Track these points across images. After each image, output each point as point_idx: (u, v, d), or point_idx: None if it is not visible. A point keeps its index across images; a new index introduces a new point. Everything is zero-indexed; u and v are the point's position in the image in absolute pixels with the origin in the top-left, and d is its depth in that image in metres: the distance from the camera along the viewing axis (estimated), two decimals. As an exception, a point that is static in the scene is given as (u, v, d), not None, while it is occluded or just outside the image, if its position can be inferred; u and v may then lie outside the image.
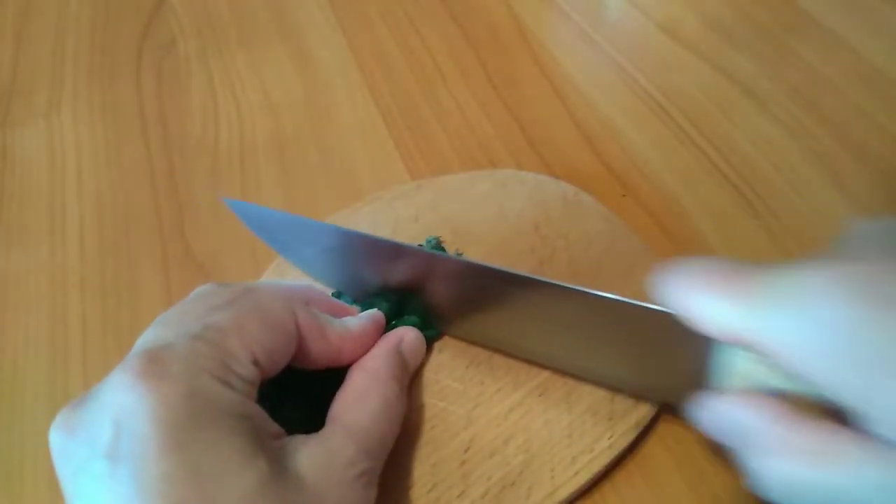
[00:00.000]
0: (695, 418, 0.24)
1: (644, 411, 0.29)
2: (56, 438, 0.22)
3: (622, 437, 0.28)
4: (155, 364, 0.21)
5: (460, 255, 0.35)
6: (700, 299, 0.23)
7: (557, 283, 0.26)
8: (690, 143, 0.41)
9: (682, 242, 0.36)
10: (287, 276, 0.35)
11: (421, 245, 0.35)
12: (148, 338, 0.24)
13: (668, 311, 0.24)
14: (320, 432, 0.24)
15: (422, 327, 0.31)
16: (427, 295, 0.30)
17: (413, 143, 0.43)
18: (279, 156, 0.43)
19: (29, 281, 0.39)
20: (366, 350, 0.29)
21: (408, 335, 0.30)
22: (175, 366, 0.21)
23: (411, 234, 0.36)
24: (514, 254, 0.34)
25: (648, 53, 0.47)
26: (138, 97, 0.48)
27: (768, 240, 0.36)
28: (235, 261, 0.38)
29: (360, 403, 0.26)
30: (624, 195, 0.38)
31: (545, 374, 0.30)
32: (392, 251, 0.30)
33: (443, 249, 0.35)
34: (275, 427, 0.23)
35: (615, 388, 0.29)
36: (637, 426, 0.28)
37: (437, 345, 0.31)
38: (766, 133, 0.41)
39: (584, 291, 0.26)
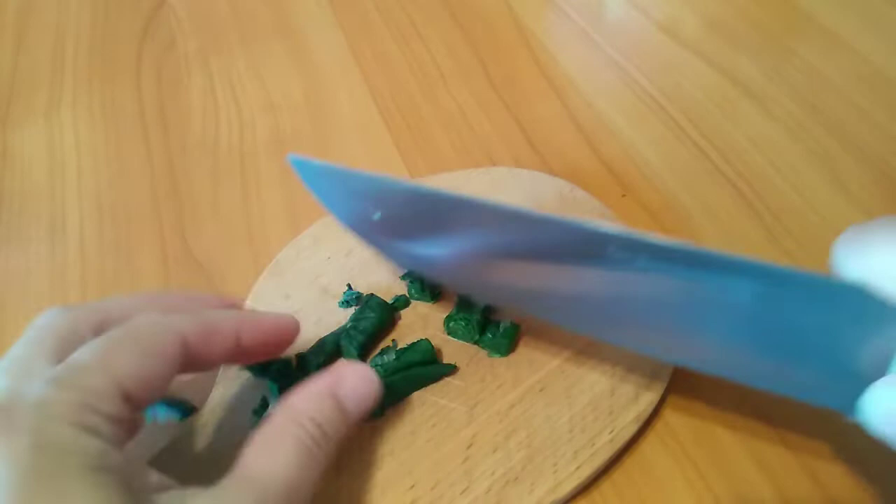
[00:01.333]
0: (867, 409, 0.21)
1: (644, 405, 0.29)
2: None
3: (623, 430, 0.28)
4: (0, 416, 0.19)
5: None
6: (891, 260, 0.19)
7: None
8: (690, 143, 0.41)
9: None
10: (284, 277, 0.35)
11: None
12: None
13: (846, 280, 0.20)
14: (219, 483, 0.21)
15: (430, 360, 0.30)
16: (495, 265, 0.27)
17: (413, 142, 0.43)
18: (279, 156, 0.43)
19: (29, 281, 0.39)
20: (270, 339, 0.26)
21: (350, 376, 0.26)
22: (23, 416, 0.19)
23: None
24: None
25: (648, 53, 0.47)
26: (138, 97, 0.48)
27: (768, 240, 0.36)
28: (235, 261, 0.38)
29: (269, 448, 0.23)
30: (624, 195, 0.38)
31: (545, 370, 0.30)
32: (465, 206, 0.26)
33: None
34: (153, 479, 0.22)
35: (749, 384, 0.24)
36: (638, 420, 0.28)
37: (436, 343, 0.31)
38: (766, 133, 0.41)
39: (734, 259, 0.22)
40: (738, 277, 0.22)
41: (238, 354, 0.26)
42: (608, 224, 0.24)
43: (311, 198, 0.41)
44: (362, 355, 0.31)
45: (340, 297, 0.33)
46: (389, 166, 0.42)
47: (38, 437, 0.19)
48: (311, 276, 0.34)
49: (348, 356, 0.31)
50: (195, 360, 0.24)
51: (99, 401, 0.21)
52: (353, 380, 0.26)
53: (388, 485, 0.27)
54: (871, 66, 0.43)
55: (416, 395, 0.30)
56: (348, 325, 0.32)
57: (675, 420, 0.29)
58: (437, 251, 0.28)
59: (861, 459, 0.28)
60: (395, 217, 0.28)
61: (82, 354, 0.22)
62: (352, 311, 0.33)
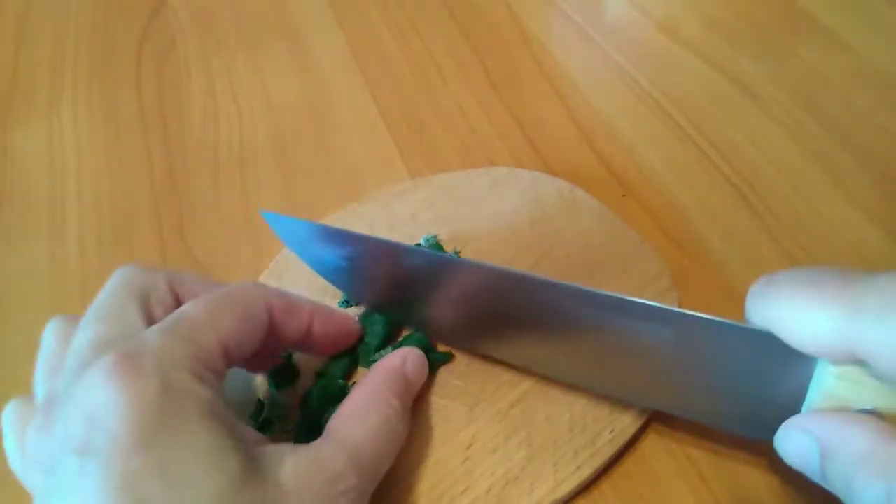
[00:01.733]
0: (779, 446, 0.22)
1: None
2: (31, 444, 0.22)
3: (623, 431, 0.28)
4: (128, 359, 0.21)
5: (458, 253, 0.35)
6: (796, 310, 0.21)
7: (610, 294, 0.24)
8: (690, 143, 0.41)
9: (681, 243, 0.36)
10: (283, 277, 0.35)
11: (419, 244, 0.35)
12: (97, 332, 0.23)
13: (758, 328, 0.22)
14: (312, 443, 0.24)
15: (427, 349, 0.31)
16: (447, 307, 0.29)
17: (413, 142, 0.43)
18: (279, 156, 0.43)
19: (29, 281, 0.39)
20: (337, 332, 0.29)
21: (411, 354, 0.29)
22: (149, 361, 0.21)
23: (408, 233, 0.36)
24: (511, 251, 0.34)
25: (648, 53, 0.47)
26: (138, 97, 0.49)
27: (768, 240, 0.36)
28: (235, 261, 0.38)
29: (357, 417, 0.25)
30: (624, 195, 0.38)
31: None
32: (402, 253, 0.29)
33: (440, 248, 0.35)
34: (251, 433, 0.23)
35: (676, 414, 0.27)
36: (637, 419, 0.28)
37: (435, 342, 0.31)
38: (766, 133, 0.41)
39: (658, 307, 0.24)
40: (658, 324, 0.24)
41: (306, 340, 0.28)
42: (536, 275, 0.26)
43: (312, 198, 0.41)
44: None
45: (340, 297, 0.33)
46: (389, 166, 0.42)
47: (163, 382, 0.21)
48: (311, 276, 0.34)
49: (364, 362, 0.31)
50: (272, 334, 0.26)
51: (208, 356, 0.23)
52: (412, 357, 0.29)
53: (387, 485, 0.27)
54: (871, 66, 0.43)
55: (416, 396, 0.30)
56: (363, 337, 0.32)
57: (674, 421, 0.29)
58: (397, 295, 0.31)
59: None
60: (358, 264, 0.31)
61: (193, 310, 0.24)
62: (352, 310, 0.33)
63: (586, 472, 0.27)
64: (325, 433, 0.25)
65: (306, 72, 0.49)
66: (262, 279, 0.35)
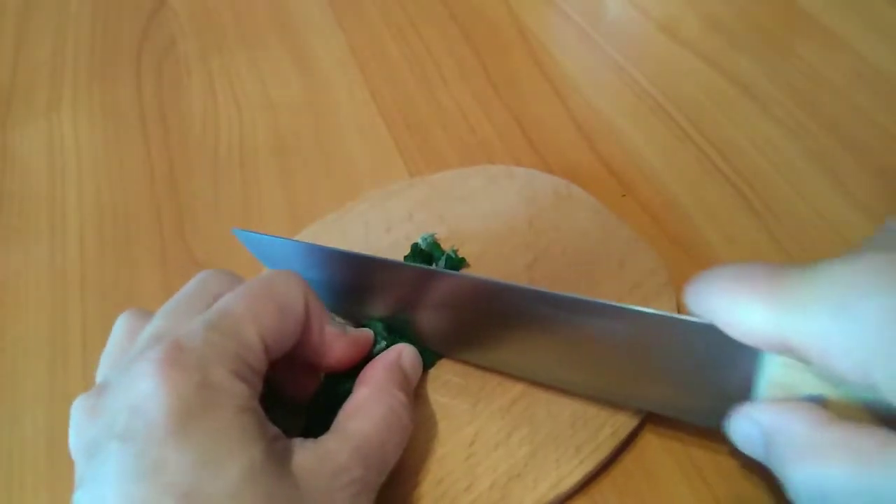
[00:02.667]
0: (730, 433, 0.23)
1: None
2: (77, 419, 0.23)
3: (624, 425, 0.28)
4: (174, 354, 0.22)
5: (456, 251, 0.35)
6: (731, 303, 0.22)
7: (578, 297, 0.25)
8: (690, 143, 0.41)
9: (681, 242, 0.36)
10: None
11: (416, 243, 0.35)
12: (158, 326, 0.24)
13: (700, 320, 0.23)
14: (320, 437, 0.25)
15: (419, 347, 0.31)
16: (425, 318, 0.30)
17: (413, 143, 0.43)
18: (279, 156, 0.43)
19: (29, 281, 0.39)
20: (351, 358, 0.28)
21: (405, 350, 0.29)
22: (192, 356, 0.22)
23: (405, 232, 0.36)
24: (508, 249, 0.35)
25: (648, 53, 0.47)
26: (138, 97, 0.49)
27: (768, 240, 0.36)
28: (235, 261, 0.38)
29: (362, 411, 0.26)
30: (624, 195, 0.38)
31: None
32: (380, 267, 0.29)
33: (438, 247, 0.35)
34: (274, 429, 0.24)
35: (638, 408, 0.28)
36: (638, 414, 0.29)
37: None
38: (766, 133, 0.41)
39: (610, 305, 0.25)
40: (612, 320, 0.25)
41: (325, 354, 0.28)
42: (507, 282, 0.27)
43: (312, 198, 0.41)
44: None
45: None
46: (389, 166, 0.42)
47: (203, 377, 0.22)
48: None
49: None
50: (303, 331, 0.26)
51: (248, 352, 0.23)
52: (406, 352, 0.29)
53: (391, 484, 0.27)
54: (871, 66, 0.43)
55: (418, 394, 0.30)
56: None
57: (674, 419, 0.30)
58: (369, 306, 0.31)
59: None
60: (336, 280, 0.31)
61: (234, 305, 0.24)
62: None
63: (589, 467, 0.27)
64: (331, 429, 0.25)
65: (306, 72, 0.49)
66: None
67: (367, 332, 0.30)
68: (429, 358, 0.31)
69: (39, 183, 0.44)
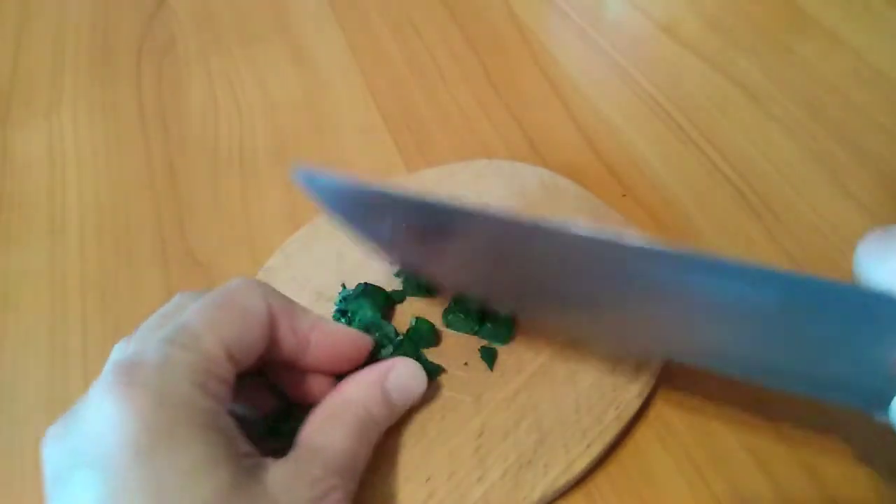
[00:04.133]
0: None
1: (645, 380, 0.29)
2: (48, 448, 0.22)
3: (628, 406, 0.29)
4: (127, 374, 0.21)
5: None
6: None
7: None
8: (690, 143, 0.41)
9: (681, 242, 0.36)
10: (276, 281, 0.35)
11: None
12: (124, 350, 0.24)
13: (875, 289, 0.20)
14: (290, 454, 0.24)
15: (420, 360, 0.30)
16: (507, 274, 0.27)
17: (413, 142, 0.43)
18: (279, 155, 0.43)
19: (29, 281, 0.39)
20: (340, 357, 0.28)
21: (398, 367, 0.28)
22: (148, 374, 0.21)
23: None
24: None
25: (648, 53, 0.47)
26: (138, 97, 0.48)
27: (768, 240, 0.36)
28: (235, 261, 0.38)
29: (328, 426, 0.25)
30: (624, 195, 0.38)
31: (546, 353, 0.31)
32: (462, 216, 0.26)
33: None
34: (245, 446, 0.23)
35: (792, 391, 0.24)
36: (640, 395, 0.29)
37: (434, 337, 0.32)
38: (766, 133, 0.41)
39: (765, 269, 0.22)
40: (762, 287, 0.22)
41: (305, 353, 0.27)
42: (631, 235, 0.24)
43: (311, 198, 0.41)
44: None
45: (336, 299, 0.33)
46: (389, 166, 0.42)
47: (161, 393, 0.21)
48: (303, 281, 0.34)
49: None
50: (273, 340, 0.25)
51: (210, 363, 0.23)
52: (400, 373, 0.28)
53: (404, 479, 0.27)
54: (871, 66, 0.43)
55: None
56: (341, 319, 0.32)
57: (670, 414, 0.30)
58: (443, 256, 0.28)
59: (860, 457, 0.28)
60: (402, 225, 0.28)
61: (192, 317, 0.23)
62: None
63: (596, 450, 0.28)
64: (298, 443, 0.25)
65: (306, 71, 0.49)
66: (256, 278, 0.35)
67: (361, 334, 0.29)
68: (433, 371, 0.30)
69: (39, 183, 0.44)
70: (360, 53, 0.50)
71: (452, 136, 0.43)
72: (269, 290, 0.26)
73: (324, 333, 0.27)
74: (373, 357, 0.30)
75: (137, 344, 0.24)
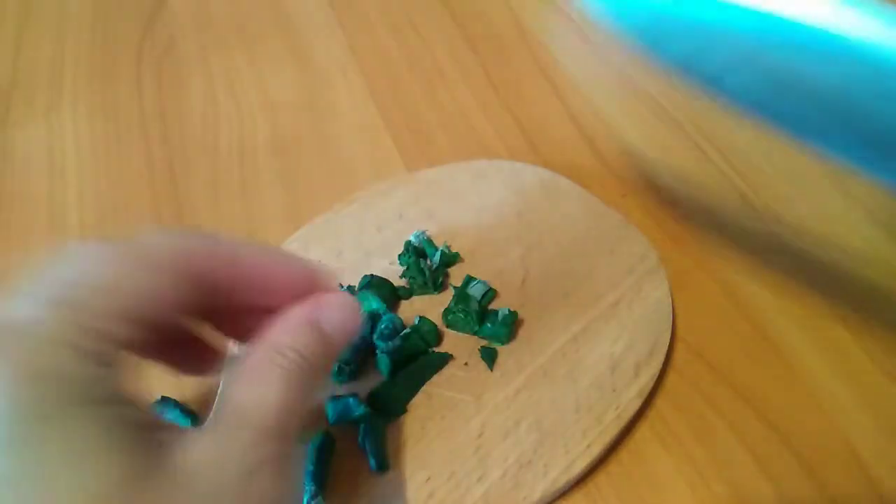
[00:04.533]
0: None
1: (645, 380, 0.29)
2: None
3: (628, 406, 0.29)
4: None
5: (448, 247, 0.35)
6: None
7: None
8: (691, 142, 0.41)
9: (682, 242, 0.36)
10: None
11: (409, 240, 0.35)
12: None
13: None
14: (214, 419, 0.20)
15: (427, 346, 0.31)
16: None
17: (413, 143, 0.43)
18: (279, 155, 0.43)
19: (29, 281, 0.38)
20: (296, 278, 0.23)
21: (330, 300, 0.23)
22: (19, 343, 0.17)
23: (397, 231, 0.36)
24: (500, 242, 0.35)
25: (648, 53, 0.47)
26: (138, 97, 0.48)
27: (768, 240, 0.36)
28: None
29: (255, 379, 0.21)
30: (624, 195, 0.38)
31: (546, 354, 0.31)
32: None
33: (431, 243, 0.35)
34: (154, 415, 0.20)
35: None
36: (640, 395, 0.29)
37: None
38: (766, 133, 0.41)
39: None
40: None
41: (264, 296, 0.23)
42: None
43: (311, 197, 0.41)
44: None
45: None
46: (389, 166, 0.42)
47: (29, 366, 0.17)
48: None
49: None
50: (212, 288, 0.22)
51: (101, 321, 0.19)
52: (334, 306, 0.24)
53: (403, 479, 0.27)
54: (871, 65, 0.43)
55: (423, 390, 0.30)
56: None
57: (670, 414, 0.30)
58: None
59: (859, 455, 0.28)
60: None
61: (81, 273, 0.19)
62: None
63: (596, 450, 0.28)
64: (222, 404, 0.21)
65: (306, 71, 0.49)
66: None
67: (301, 258, 0.24)
68: (437, 360, 0.31)
69: (39, 183, 0.44)
70: (360, 53, 0.50)
71: (452, 136, 0.43)
72: (179, 233, 0.22)
73: (268, 255, 0.23)
74: (367, 344, 0.31)
75: (8, 301, 0.19)
